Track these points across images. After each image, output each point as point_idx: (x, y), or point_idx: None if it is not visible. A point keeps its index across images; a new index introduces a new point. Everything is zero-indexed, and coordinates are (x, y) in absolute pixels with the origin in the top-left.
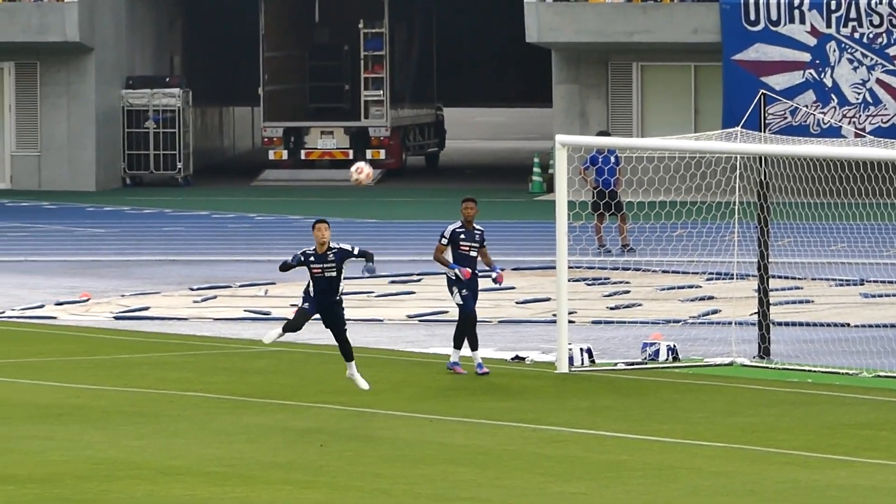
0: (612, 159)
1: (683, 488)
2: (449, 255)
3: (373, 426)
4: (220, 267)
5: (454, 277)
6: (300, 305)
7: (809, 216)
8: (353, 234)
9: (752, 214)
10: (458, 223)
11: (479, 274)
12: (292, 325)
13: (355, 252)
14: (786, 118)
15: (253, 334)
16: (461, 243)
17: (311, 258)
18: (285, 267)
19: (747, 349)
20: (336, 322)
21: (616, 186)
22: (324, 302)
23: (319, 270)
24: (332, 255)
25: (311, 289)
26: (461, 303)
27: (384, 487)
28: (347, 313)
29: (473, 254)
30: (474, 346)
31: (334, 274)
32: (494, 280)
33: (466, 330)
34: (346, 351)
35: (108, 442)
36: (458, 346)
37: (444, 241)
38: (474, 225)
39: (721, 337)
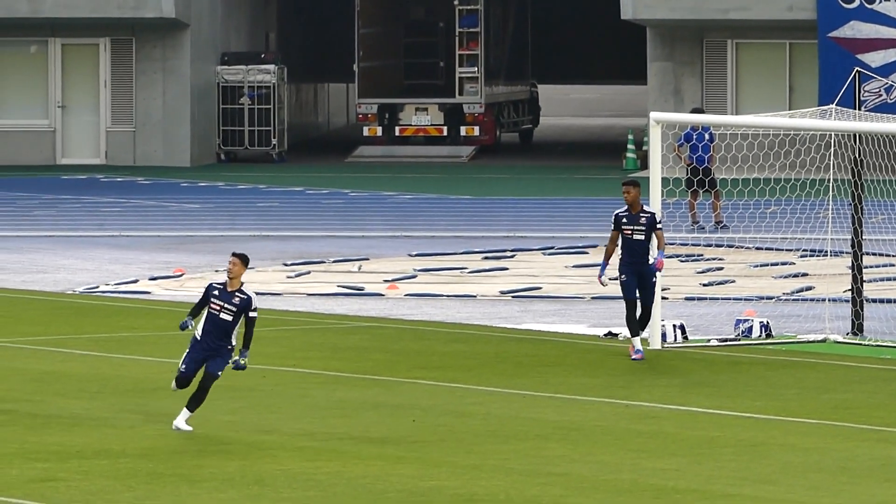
0: (707, 136)
1: (775, 465)
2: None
3: (465, 402)
4: (314, 242)
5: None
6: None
7: None
8: (447, 210)
9: (845, 192)
10: (624, 207)
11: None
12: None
13: (251, 314)
14: (881, 95)
15: (346, 310)
16: (624, 227)
17: (216, 292)
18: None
19: (840, 326)
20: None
21: (710, 163)
22: (210, 345)
23: (218, 308)
24: (237, 299)
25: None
26: (622, 289)
27: (476, 463)
28: (442, 289)
29: (639, 237)
30: (633, 332)
31: (230, 319)
32: (651, 265)
33: (628, 315)
34: (199, 399)
35: (201, 417)
36: (632, 332)
37: (613, 226)
38: (643, 207)
39: (814, 314)
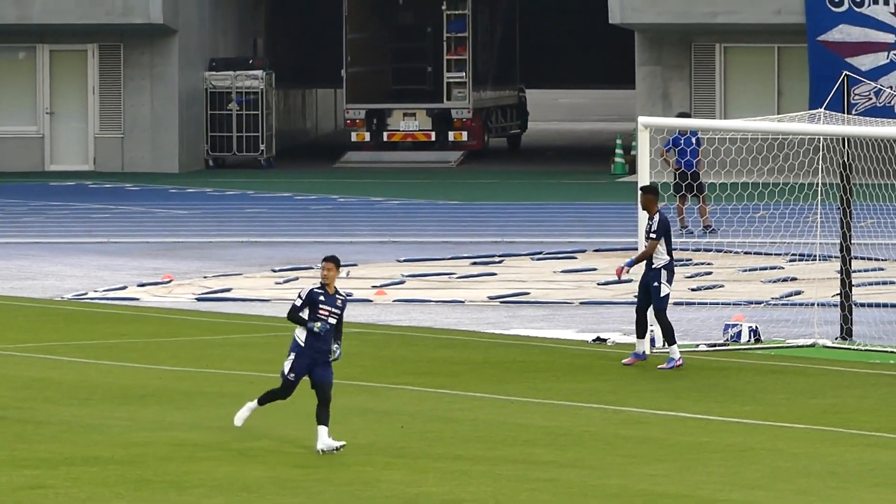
0: (694, 141)
1: (764, 470)
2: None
3: (453, 408)
4: (303, 248)
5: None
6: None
7: (892, 197)
8: (435, 215)
9: (834, 196)
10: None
11: (653, 266)
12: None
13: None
14: (871, 99)
15: None
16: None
17: (322, 299)
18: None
19: (829, 331)
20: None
21: (698, 168)
22: (320, 349)
23: (326, 314)
24: (339, 301)
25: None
26: None
27: (464, 469)
28: (430, 294)
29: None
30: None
31: (335, 321)
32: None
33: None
34: (328, 412)
35: (190, 423)
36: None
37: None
38: (655, 214)
39: (803, 318)
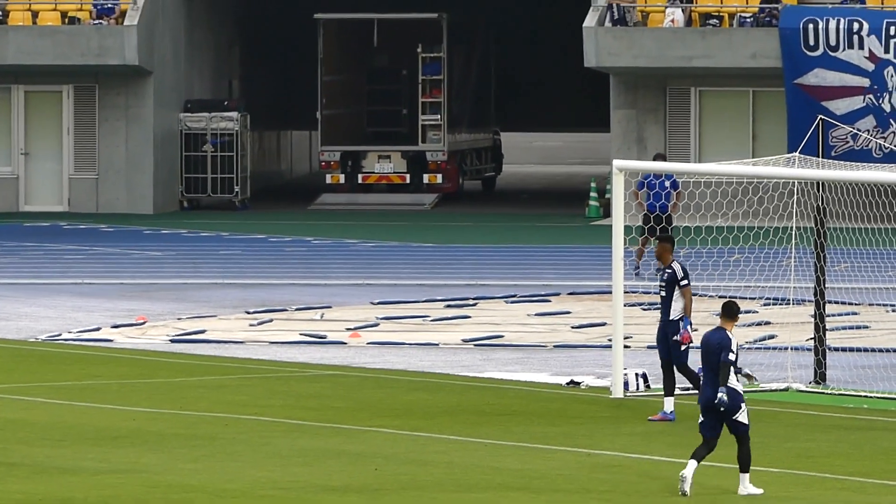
0: (669, 184)
1: None
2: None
3: (427, 450)
4: (277, 290)
5: None
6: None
7: (866, 241)
8: (410, 257)
9: (808, 240)
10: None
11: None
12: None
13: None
14: (848, 143)
15: (309, 358)
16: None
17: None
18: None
19: (803, 374)
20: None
21: (673, 211)
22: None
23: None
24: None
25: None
26: None
27: None
28: (404, 337)
29: (663, 294)
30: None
31: None
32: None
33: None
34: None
35: (164, 465)
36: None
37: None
38: (670, 263)
39: (777, 362)
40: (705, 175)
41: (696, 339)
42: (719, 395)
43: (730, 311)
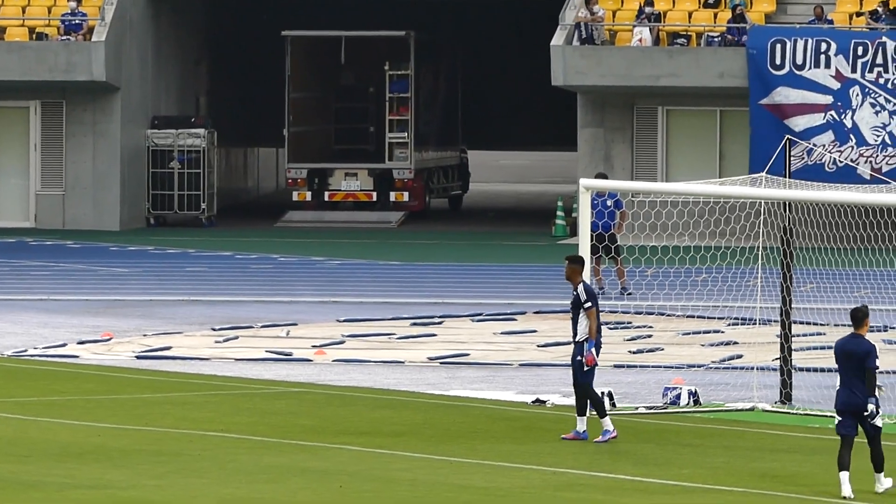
0: (612, 203)
1: None
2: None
3: (392, 468)
4: (243, 307)
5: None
6: None
7: (833, 262)
8: (376, 275)
9: (775, 260)
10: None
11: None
12: None
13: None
14: (803, 159)
15: (274, 375)
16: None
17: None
18: None
19: (769, 394)
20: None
21: (616, 230)
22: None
23: None
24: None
25: None
26: None
27: None
28: (370, 355)
29: (571, 315)
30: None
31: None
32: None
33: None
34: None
35: (129, 481)
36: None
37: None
38: (578, 285)
39: (743, 382)
40: (672, 194)
41: (600, 359)
42: (870, 406)
43: (855, 318)
